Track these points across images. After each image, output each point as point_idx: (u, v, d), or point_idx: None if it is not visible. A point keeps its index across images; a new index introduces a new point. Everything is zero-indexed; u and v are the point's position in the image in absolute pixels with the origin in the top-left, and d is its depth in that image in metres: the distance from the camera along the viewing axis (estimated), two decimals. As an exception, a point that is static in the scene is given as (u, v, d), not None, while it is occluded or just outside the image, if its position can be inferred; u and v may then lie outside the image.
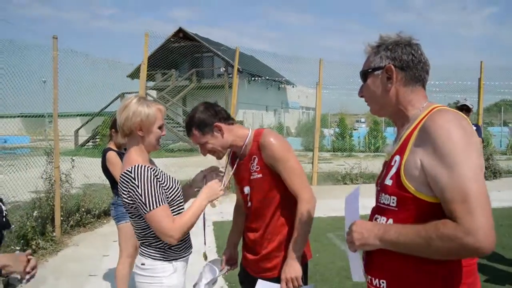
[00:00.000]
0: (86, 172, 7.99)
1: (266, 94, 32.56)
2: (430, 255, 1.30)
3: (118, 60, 9.24)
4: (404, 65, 1.49)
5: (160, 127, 2.20)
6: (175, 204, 2.21)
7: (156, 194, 2.04)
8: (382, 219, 1.48)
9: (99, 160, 4.26)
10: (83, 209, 7.03)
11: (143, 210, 2.03)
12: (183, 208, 2.27)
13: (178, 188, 2.25)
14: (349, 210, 1.74)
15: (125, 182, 2.08)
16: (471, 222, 1.19)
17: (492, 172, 11.76)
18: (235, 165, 2.41)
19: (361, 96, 1.65)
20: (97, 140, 20.12)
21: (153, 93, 26.31)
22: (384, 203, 1.48)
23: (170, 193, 2.17)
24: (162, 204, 2.05)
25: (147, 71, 8.52)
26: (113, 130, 4.08)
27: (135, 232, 2.24)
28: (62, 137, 13.72)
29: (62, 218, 6.37)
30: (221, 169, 2.40)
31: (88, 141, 21.12)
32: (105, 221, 7.36)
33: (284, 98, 36.03)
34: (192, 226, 2.14)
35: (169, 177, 2.26)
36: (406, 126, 1.50)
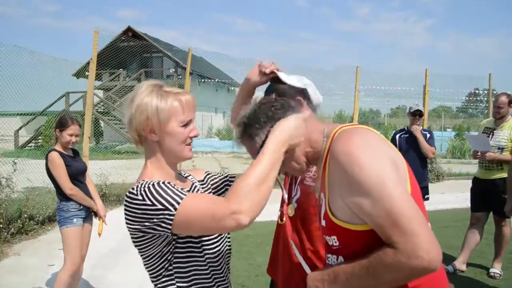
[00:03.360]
0: (29, 175, 7.55)
1: (215, 96, 32.40)
2: (388, 286, 1.22)
3: (64, 58, 8.85)
4: (276, 118, 1.42)
5: (184, 124, 1.49)
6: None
7: (174, 192, 1.34)
8: (333, 258, 1.42)
9: (43, 162, 4.05)
10: (25, 215, 6.57)
11: (168, 219, 1.32)
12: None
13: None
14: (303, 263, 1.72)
15: (128, 206, 1.39)
16: (409, 243, 1.11)
17: (436, 175, 12.26)
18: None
19: (284, 174, 1.66)
20: (40, 141, 19.26)
21: (100, 92, 25.51)
22: (329, 244, 1.42)
23: None
24: (187, 194, 1.35)
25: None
26: (57, 130, 3.91)
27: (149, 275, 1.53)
28: (1, 138, 13.00)
29: (1, 226, 5.94)
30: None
31: (30, 142, 20.15)
32: (49, 228, 6.95)
33: (233, 100, 35.85)
34: (268, 187, 1.30)
35: None
36: (319, 161, 1.43)
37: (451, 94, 15.26)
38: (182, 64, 25.34)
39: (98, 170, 8.98)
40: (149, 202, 1.33)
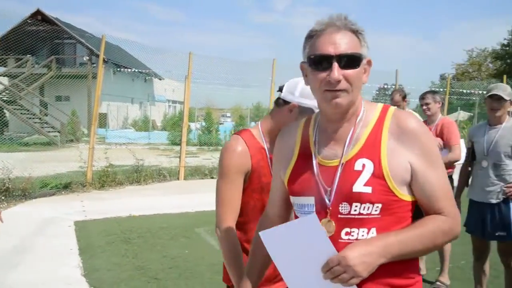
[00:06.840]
0: None
1: (132, 86, 31.52)
2: (426, 252, 1.40)
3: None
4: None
5: None
6: None
7: None
8: (362, 231, 1.31)
9: None
10: None
11: None
12: None
13: None
14: (302, 244, 1.31)
15: None
16: (456, 213, 1.37)
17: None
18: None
19: (338, 82, 1.30)
20: None
21: (5, 80, 23.78)
22: (360, 213, 1.31)
23: None
24: None
25: (-3, 56, 7.62)
26: None
27: None
28: None
29: None
30: None
31: None
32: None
33: (150, 91, 35.17)
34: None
35: None
36: (359, 125, 1.38)
37: (363, 88, 16.07)
38: (96, 52, 24.27)
39: (0, 163, 8.41)
40: None
